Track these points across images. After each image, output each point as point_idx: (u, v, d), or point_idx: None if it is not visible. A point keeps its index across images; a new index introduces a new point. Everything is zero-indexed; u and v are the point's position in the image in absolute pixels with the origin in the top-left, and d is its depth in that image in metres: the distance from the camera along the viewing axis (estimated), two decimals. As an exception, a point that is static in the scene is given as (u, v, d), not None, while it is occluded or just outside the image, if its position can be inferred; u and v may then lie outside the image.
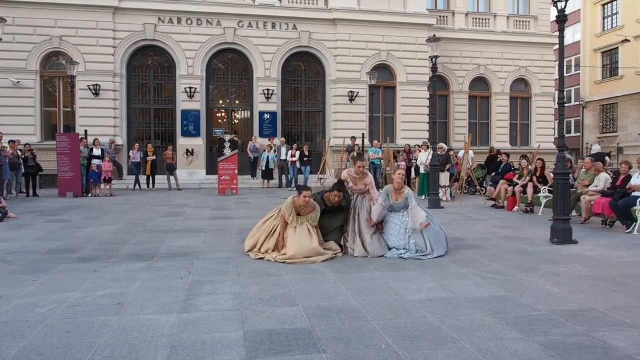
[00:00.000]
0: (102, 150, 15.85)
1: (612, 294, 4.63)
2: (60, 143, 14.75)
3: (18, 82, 17.63)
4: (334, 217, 6.57)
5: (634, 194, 8.51)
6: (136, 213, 10.73)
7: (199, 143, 19.28)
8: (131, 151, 17.08)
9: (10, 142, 14.03)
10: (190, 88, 18.98)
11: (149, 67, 19.40)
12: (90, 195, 14.88)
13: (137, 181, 16.60)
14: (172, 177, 16.92)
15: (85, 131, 16.52)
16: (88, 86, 17.98)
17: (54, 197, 14.25)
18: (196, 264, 5.76)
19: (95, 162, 15.11)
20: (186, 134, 19.15)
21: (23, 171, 14.51)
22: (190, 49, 19.02)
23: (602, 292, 4.69)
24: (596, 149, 16.96)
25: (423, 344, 3.39)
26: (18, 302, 4.27)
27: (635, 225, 8.37)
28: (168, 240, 7.32)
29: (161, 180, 17.03)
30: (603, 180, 9.59)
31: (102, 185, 15.02)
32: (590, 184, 9.70)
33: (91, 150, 15.58)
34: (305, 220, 6.16)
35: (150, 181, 16.82)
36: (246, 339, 3.45)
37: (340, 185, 6.40)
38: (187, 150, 19.09)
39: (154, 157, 16.80)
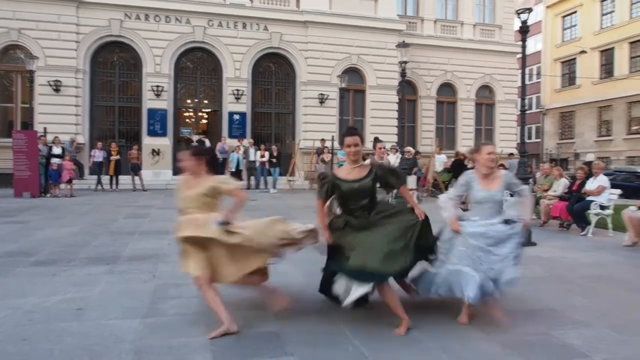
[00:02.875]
0: (63, 149, 15.35)
1: (568, 294, 4.81)
2: (16, 140, 14.18)
3: (-27, 76, 16.94)
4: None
5: (588, 198, 8.85)
6: (98, 214, 10.43)
7: (165, 143, 18.92)
8: (93, 150, 16.62)
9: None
10: (157, 86, 18.62)
11: (114, 63, 18.91)
12: (48, 195, 14.38)
13: (99, 181, 16.17)
14: (136, 177, 16.56)
15: (45, 128, 15.95)
16: (48, 82, 17.37)
17: (9, 197, 13.67)
18: (161, 267, 5.64)
19: (54, 160, 14.61)
20: (152, 133, 18.76)
21: (-23, 169, 13.94)
22: (158, 47, 18.65)
23: (558, 292, 4.87)
24: (590, 157, 18.03)
25: (389, 344, 3.43)
26: (-30, 307, 4.07)
27: (590, 227, 8.71)
28: (132, 243, 7.13)
29: (125, 180, 16.63)
30: (562, 185, 9.93)
31: (63, 185, 14.54)
32: (548, 189, 10.02)
33: (50, 148, 15.07)
34: None
35: (114, 181, 16.42)
36: (213, 343, 3.40)
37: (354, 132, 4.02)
38: (153, 150, 18.70)
39: (118, 157, 16.39)
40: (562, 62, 32.53)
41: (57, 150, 15.07)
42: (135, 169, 16.53)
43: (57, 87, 17.50)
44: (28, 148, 14.12)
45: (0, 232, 7.87)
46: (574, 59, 31.00)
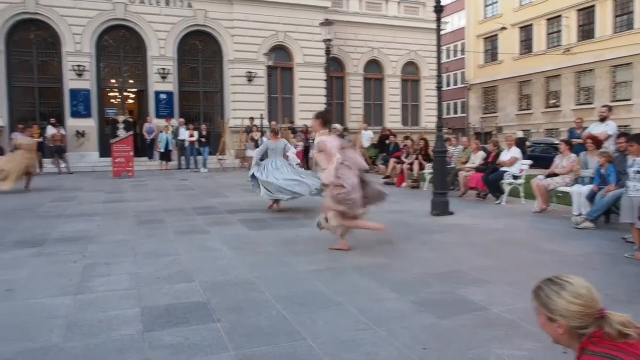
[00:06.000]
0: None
1: (475, 257, 5.31)
2: None
3: None
4: None
5: (502, 169, 9.60)
6: (22, 199, 10.07)
7: (90, 124, 18.24)
8: (14, 133, 15.77)
9: None
10: (79, 66, 17.82)
11: (32, 42, 17.86)
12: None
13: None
14: (61, 161, 15.95)
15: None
16: (-41, 62, 16.24)
17: None
18: (90, 248, 5.69)
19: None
20: (76, 114, 18.02)
21: None
22: (77, 24, 17.79)
23: (467, 256, 5.36)
24: (519, 134, 19.42)
25: (310, 308, 3.73)
26: None
27: (503, 197, 9.48)
28: (59, 226, 7.06)
29: (49, 163, 15.97)
30: (480, 157, 10.65)
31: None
32: (467, 161, 10.77)
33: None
34: None
35: (37, 165, 15.69)
36: (143, 314, 3.59)
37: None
38: (78, 132, 18.00)
39: (41, 140, 15.69)
40: (485, 39, 33.81)
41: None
42: (60, 152, 15.91)
43: (-31, 68, 16.37)
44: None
45: None
46: (496, 35, 32.20)
